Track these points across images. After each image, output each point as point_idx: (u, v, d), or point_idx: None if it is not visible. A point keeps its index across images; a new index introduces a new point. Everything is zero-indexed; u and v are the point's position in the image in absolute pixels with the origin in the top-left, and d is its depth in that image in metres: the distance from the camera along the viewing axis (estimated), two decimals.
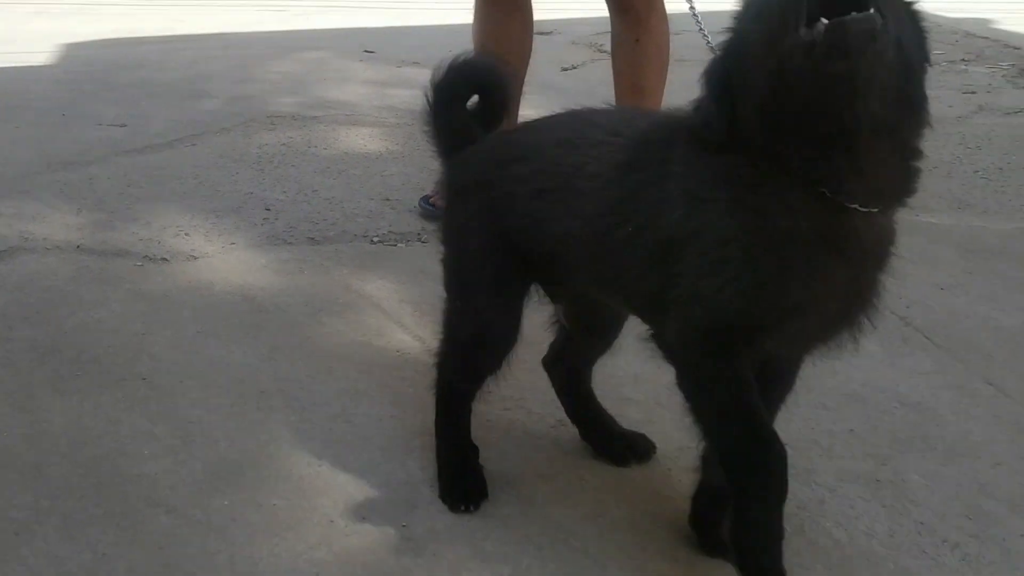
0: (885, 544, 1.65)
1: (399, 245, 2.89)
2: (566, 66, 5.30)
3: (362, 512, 1.70)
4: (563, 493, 1.77)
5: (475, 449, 1.81)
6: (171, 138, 3.88)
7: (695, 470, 1.63)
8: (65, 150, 3.66)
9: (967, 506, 1.75)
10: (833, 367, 2.18)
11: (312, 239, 2.90)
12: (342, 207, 3.15)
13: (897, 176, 1.31)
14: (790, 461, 1.88)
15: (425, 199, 3.12)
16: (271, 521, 1.68)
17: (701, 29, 1.95)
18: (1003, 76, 5.19)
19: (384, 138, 3.94)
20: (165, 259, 2.73)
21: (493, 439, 1.86)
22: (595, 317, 1.82)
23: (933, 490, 1.79)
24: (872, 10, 1.15)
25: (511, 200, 1.61)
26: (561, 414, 1.94)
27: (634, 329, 1.72)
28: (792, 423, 2.00)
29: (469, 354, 1.74)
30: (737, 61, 1.30)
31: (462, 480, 1.75)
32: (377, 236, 2.93)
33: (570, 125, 1.63)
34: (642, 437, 1.90)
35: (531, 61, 3.08)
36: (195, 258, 2.74)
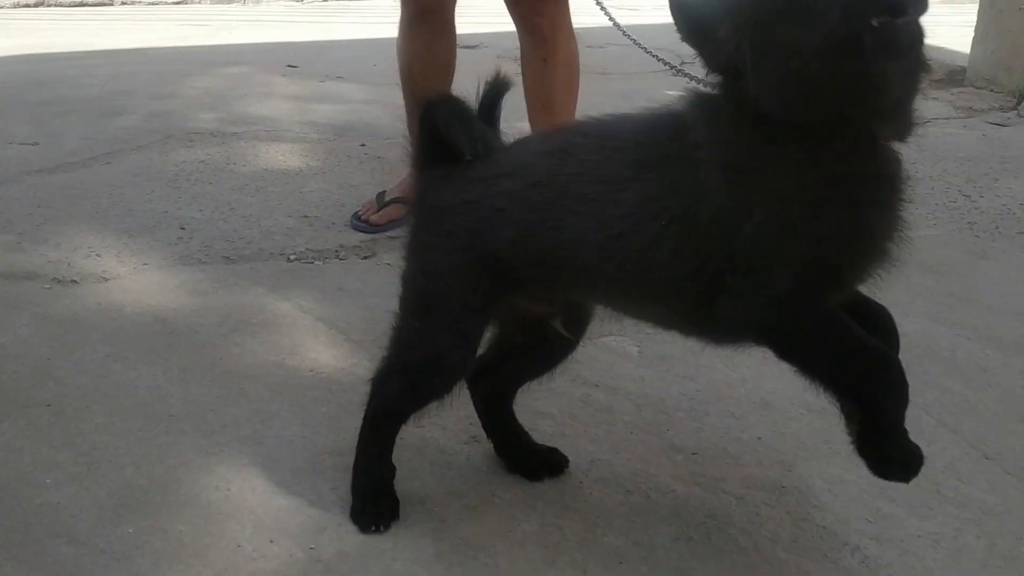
0: (788, 549, 1.69)
1: (316, 263, 2.87)
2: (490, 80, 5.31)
3: (270, 535, 1.68)
4: (474, 510, 1.77)
5: (393, 470, 1.79)
6: (85, 156, 3.80)
7: None
8: None
9: (868, 509, 1.79)
10: (743, 376, 2.24)
11: (227, 258, 2.86)
12: (259, 225, 3.12)
13: (913, 111, 1.43)
14: (699, 471, 1.93)
15: (356, 216, 3.10)
16: (177, 548, 1.65)
17: (636, 42, 1.98)
18: None
19: (304, 154, 3.92)
20: (75, 281, 2.67)
21: (406, 457, 1.84)
22: (575, 326, 1.80)
23: (836, 495, 1.84)
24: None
25: (501, 216, 1.59)
26: (475, 430, 1.95)
27: None
28: (702, 432, 2.04)
29: (419, 378, 1.69)
30: (789, 30, 1.32)
31: (375, 501, 1.73)
32: (294, 254, 2.91)
33: (557, 138, 1.66)
34: (555, 451, 1.91)
35: (456, 75, 3.07)
36: (106, 280, 2.69)
